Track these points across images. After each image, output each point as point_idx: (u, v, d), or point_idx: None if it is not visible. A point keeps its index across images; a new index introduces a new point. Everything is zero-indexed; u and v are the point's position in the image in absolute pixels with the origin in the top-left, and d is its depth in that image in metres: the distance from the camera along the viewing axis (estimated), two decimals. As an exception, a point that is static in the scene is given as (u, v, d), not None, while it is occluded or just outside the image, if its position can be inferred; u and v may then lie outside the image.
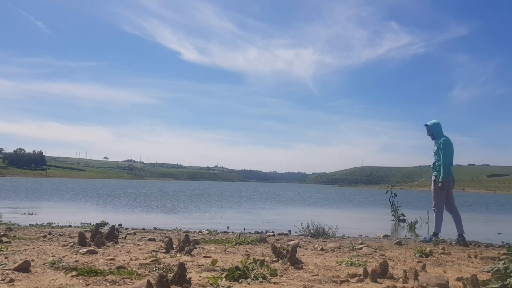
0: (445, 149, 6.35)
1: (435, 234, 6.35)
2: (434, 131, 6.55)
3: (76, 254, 3.75)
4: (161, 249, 4.22)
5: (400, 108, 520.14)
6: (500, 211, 20.20)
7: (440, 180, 6.32)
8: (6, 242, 4.45)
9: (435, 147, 6.51)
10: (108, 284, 2.62)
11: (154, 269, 3.14)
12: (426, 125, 6.65)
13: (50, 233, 5.56)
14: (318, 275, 3.16)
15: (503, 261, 2.69)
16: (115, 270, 3.01)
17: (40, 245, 4.38)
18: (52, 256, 3.61)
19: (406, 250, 5.07)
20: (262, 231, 7.15)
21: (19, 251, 3.86)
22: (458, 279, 3.11)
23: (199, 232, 6.80)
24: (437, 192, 6.38)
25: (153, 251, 4.16)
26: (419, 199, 33.37)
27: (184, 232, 6.59)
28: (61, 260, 3.36)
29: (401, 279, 3.04)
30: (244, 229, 7.52)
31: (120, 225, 7.26)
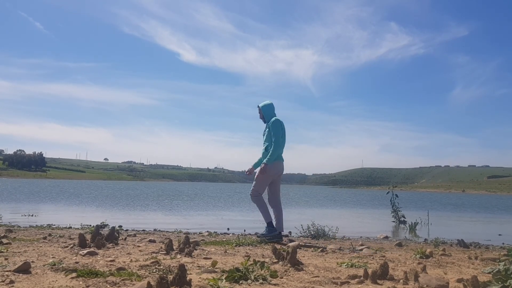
0: (277, 130, 5.50)
1: (270, 223, 5.49)
2: (265, 113, 5.66)
3: (76, 256, 3.75)
4: (161, 251, 4.21)
5: (400, 109, 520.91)
6: (501, 212, 20.19)
7: (264, 162, 5.44)
8: (6, 243, 4.45)
9: (266, 130, 5.66)
10: (108, 286, 2.61)
11: (154, 270, 3.13)
12: (258, 106, 5.75)
13: (50, 235, 5.55)
14: (318, 276, 3.16)
15: (503, 262, 2.68)
16: (115, 271, 3.01)
17: (40, 246, 4.38)
18: (52, 257, 3.60)
19: (406, 252, 5.07)
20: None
21: (19, 252, 3.86)
22: (459, 281, 3.11)
23: (199, 233, 6.79)
24: (260, 176, 5.49)
25: (153, 252, 4.15)
26: (420, 201, 33.34)
27: (184, 233, 6.59)
28: (61, 261, 3.35)
29: (401, 281, 3.03)
30: (245, 230, 7.52)
31: (120, 226, 7.27)
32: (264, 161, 5.46)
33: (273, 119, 5.60)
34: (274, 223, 5.57)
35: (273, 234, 5.41)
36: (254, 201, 5.63)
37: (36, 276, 2.84)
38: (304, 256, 4.23)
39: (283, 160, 5.68)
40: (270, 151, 5.47)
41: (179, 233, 6.64)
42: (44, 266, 3.16)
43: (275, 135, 5.50)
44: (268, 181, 5.59)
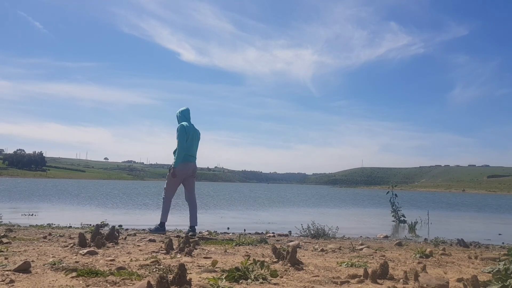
0: (179, 135, 6.05)
1: (162, 224, 6.18)
2: (178, 119, 6.30)
3: (76, 255, 3.75)
4: (161, 250, 4.22)
5: (400, 108, 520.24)
6: (501, 212, 20.20)
7: (172, 166, 6.14)
8: (6, 243, 4.45)
9: None
10: (108, 285, 2.61)
11: (154, 270, 3.14)
12: None
13: (50, 234, 5.55)
14: (318, 276, 3.16)
15: (503, 262, 2.68)
16: (115, 271, 3.01)
17: (40, 246, 4.38)
18: (52, 257, 3.61)
19: (406, 251, 5.07)
20: (262, 232, 7.15)
21: (19, 252, 3.86)
22: (459, 280, 3.11)
23: (199, 233, 6.79)
24: (169, 179, 6.19)
25: (153, 252, 4.16)
26: (420, 200, 33.36)
27: (184, 232, 6.59)
28: (61, 261, 3.35)
29: (401, 280, 3.04)
30: (244, 230, 7.52)
31: (120, 226, 7.26)
32: (171, 165, 6.16)
33: (178, 125, 6.17)
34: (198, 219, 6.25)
35: (158, 232, 6.06)
36: (163, 202, 6.28)
37: (36, 275, 2.84)
38: (304, 256, 4.23)
39: (193, 161, 6.26)
40: (175, 156, 6.11)
41: (179, 233, 6.64)
42: (44, 265, 3.16)
43: (178, 141, 6.09)
44: (177, 183, 6.24)
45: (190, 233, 5.94)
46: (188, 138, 6.11)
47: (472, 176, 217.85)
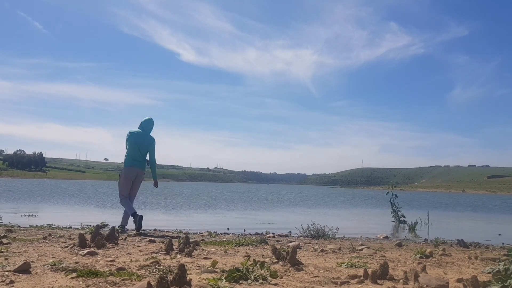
0: (126, 141, 6.53)
1: (122, 226, 6.41)
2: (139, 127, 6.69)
3: (76, 256, 3.75)
4: (161, 251, 4.21)
5: (400, 109, 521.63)
6: (501, 212, 20.20)
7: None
8: (6, 243, 4.45)
9: None
10: (108, 286, 2.61)
11: (154, 270, 3.14)
12: None
13: (50, 235, 5.55)
14: (318, 276, 3.16)
15: (503, 262, 2.69)
16: (115, 271, 3.01)
17: (40, 246, 4.38)
18: (52, 257, 3.61)
19: (406, 252, 5.07)
20: (262, 233, 7.15)
21: (19, 252, 3.86)
22: (459, 280, 3.11)
23: (199, 233, 6.79)
24: (120, 180, 6.55)
25: (153, 252, 4.16)
26: (419, 201, 33.35)
27: (184, 233, 6.59)
28: (61, 261, 3.35)
29: (401, 281, 3.04)
30: (244, 230, 7.51)
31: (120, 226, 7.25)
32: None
33: (129, 131, 6.58)
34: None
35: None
36: (121, 204, 6.60)
37: (36, 276, 2.84)
38: (304, 256, 4.23)
39: (136, 165, 6.52)
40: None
41: (179, 233, 6.64)
42: (44, 266, 3.16)
43: (127, 146, 6.54)
44: (127, 184, 6.51)
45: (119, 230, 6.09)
46: (130, 144, 6.49)
47: (472, 177, 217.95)
